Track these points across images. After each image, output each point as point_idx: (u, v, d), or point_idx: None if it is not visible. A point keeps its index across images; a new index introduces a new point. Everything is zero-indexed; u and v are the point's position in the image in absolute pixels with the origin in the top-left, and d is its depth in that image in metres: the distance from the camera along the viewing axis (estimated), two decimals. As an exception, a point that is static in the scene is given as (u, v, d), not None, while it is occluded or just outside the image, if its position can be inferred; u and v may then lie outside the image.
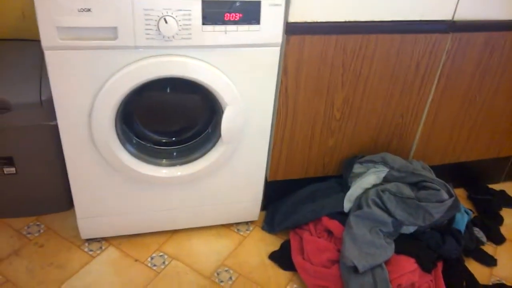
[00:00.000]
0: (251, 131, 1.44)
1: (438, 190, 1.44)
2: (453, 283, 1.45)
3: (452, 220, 1.55)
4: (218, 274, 1.49)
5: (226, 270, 1.51)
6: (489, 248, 1.68)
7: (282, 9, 1.26)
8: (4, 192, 1.56)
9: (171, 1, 1.16)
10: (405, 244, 1.45)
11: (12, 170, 1.51)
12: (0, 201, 1.58)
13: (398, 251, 1.42)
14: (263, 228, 1.68)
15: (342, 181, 1.63)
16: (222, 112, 1.35)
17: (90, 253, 1.52)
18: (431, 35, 1.45)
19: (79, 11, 1.13)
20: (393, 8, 1.38)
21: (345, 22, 1.37)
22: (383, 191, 1.46)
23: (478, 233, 1.70)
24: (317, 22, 1.35)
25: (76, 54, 1.18)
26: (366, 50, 1.42)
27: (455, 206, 1.47)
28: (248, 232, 1.67)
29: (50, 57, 1.18)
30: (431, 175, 1.55)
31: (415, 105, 1.60)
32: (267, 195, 1.67)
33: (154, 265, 1.50)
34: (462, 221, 1.58)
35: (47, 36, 1.15)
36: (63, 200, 1.63)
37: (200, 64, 1.27)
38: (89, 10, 1.13)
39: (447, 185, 1.48)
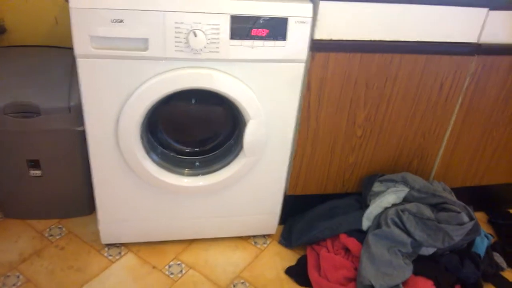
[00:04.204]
0: (273, 144, 1.46)
1: (459, 212, 1.43)
2: (470, 307, 1.43)
3: (471, 243, 1.53)
4: (234, 286, 1.50)
5: (242, 283, 1.51)
6: (508, 274, 1.65)
7: (308, 27, 1.28)
8: (29, 194, 1.60)
9: (201, 16, 1.20)
10: (423, 265, 1.43)
11: (38, 172, 1.55)
12: (25, 202, 1.62)
13: (416, 273, 1.41)
14: (280, 242, 1.68)
15: (361, 198, 1.63)
16: (245, 125, 1.37)
17: (109, 258, 1.54)
18: (456, 57, 1.45)
19: (112, 22, 1.16)
20: (419, 29, 1.39)
21: (370, 41, 1.38)
22: (402, 211, 1.46)
23: (498, 258, 1.67)
24: (342, 40, 1.36)
25: (107, 63, 1.22)
26: (390, 69, 1.43)
27: (475, 229, 1.45)
28: (265, 245, 1.67)
29: (82, 65, 1.22)
30: (452, 197, 1.54)
31: (437, 126, 1.60)
32: (285, 209, 1.67)
33: (171, 273, 1.51)
34: (482, 245, 1.56)
35: (80, 45, 1.19)
36: (85, 205, 1.67)
37: (226, 77, 1.29)
38: (121, 21, 1.17)
39: (467, 208, 1.47)
